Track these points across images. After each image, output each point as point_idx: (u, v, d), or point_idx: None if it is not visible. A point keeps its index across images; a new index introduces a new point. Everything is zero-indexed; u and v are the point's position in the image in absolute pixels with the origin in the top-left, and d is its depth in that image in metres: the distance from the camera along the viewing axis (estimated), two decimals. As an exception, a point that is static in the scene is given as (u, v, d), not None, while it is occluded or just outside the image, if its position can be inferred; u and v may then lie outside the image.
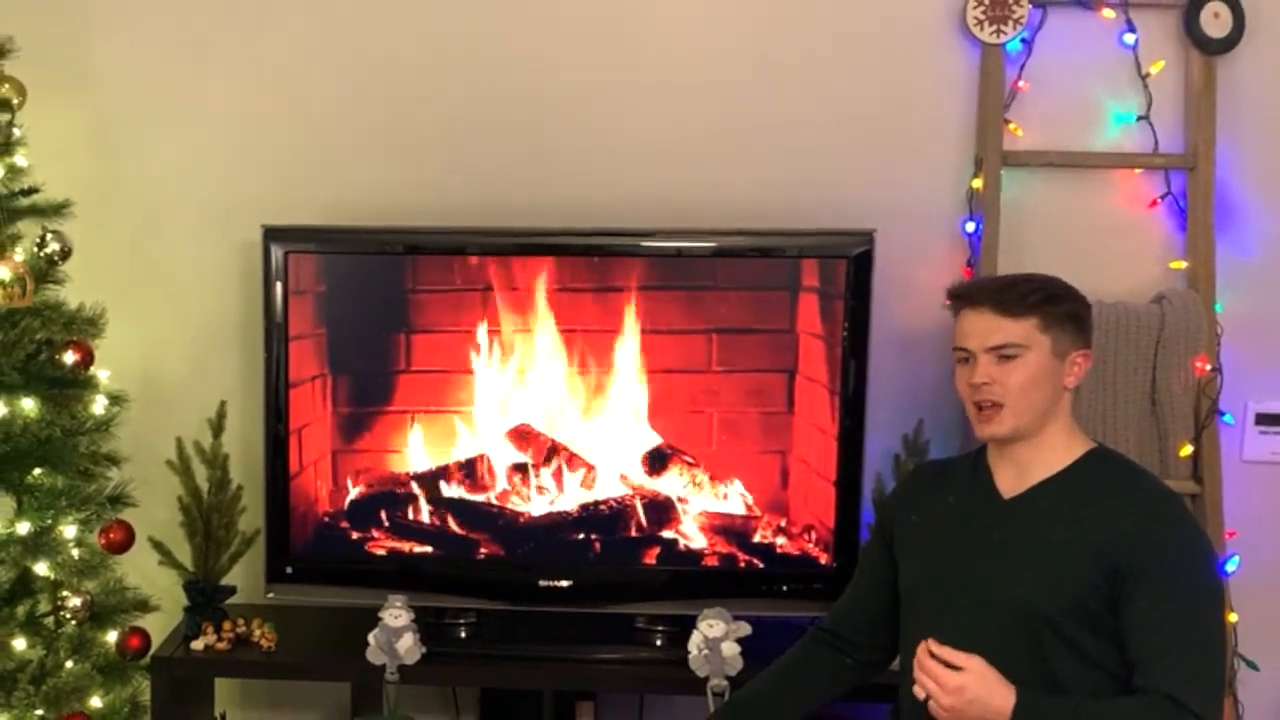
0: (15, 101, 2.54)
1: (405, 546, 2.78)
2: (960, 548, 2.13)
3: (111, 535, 2.57)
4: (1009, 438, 2.10)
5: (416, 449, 2.81)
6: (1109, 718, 1.95)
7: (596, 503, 2.76)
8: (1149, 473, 2.20)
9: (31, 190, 2.55)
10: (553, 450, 2.78)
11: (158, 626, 2.73)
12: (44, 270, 2.55)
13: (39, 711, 2.44)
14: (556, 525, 2.75)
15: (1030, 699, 1.94)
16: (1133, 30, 2.76)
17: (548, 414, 2.78)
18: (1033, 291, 2.09)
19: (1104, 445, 2.18)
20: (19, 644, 2.47)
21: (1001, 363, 2.06)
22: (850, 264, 2.60)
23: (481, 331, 2.74)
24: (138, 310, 2.84)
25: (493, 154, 2.85)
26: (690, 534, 2.75)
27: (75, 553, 2.51)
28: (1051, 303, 2.08)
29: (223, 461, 2.75)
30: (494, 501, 2.78)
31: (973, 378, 2.08)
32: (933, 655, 1.97)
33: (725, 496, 2.77)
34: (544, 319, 2.72)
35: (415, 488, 2.79)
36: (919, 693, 1.98)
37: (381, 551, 2.78)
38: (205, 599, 2.73)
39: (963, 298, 2.15)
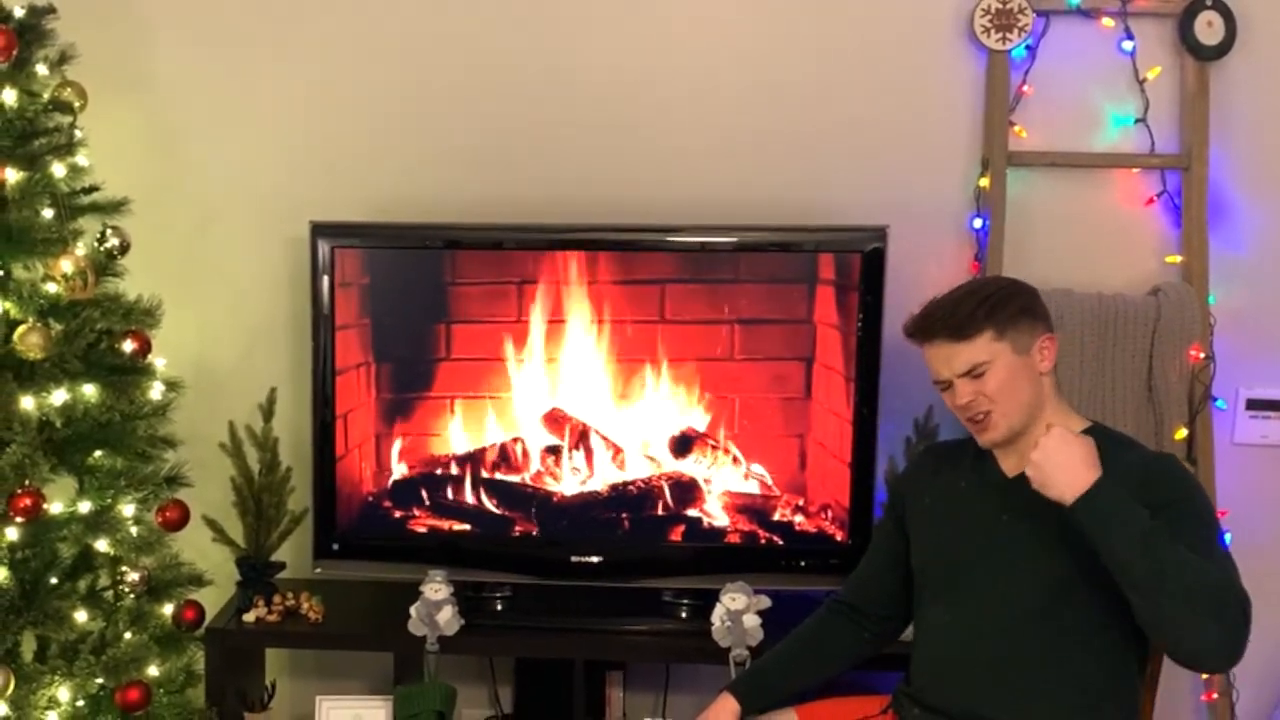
0: (77, 105, 2.57)
1: (445, 524, 2.83)
2: (970, 528, 2.19)
3: (168, 514, 2.60)
4: (1009, 438, 2.15)
5: (456, 432, 2.85)
6: (1171, 552, 1.90)
7: (625, 483, 2.82)
8: (1144, 444, 2.24)
9: (92, 189, 2.59)
10: (584, 434, 2.82)
11: (211, 600, 2.77)
12: (104, 264, 2.59)
13: (99, 680, 2.48)
14: (587, 504, 2.81)
15: (1107, 487, 1.94)
16: (1131, 38, 2.82)
17: (579, 399, 2.83)
18: (977, 306, 2.11)
19: (1100, 423, 2.22)
20: (80, 616, 2.50)
21: (975, 380, 2.11)
22: (864, 258, 2.66)
23: (517, 322, 2.79)
24: (192, 302, 2.89)
25: (527, 154, 2.91)
26: (714, 513, 2.81)
27: (133, 530, 2.53)
28: (998, 309, 2.11)
29: (273, 444, 2.81)
30: (528, 482, 2.84)
31: (956, 400, 2.14)
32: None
33: (747, 477, 2.82)
34: (575, 310, 2.76)
35: (454, 469, 2.84)
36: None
37: (422, 529, 2.84)
38: (256, 574, 2.81)
39: (917, 335, 2.18)
